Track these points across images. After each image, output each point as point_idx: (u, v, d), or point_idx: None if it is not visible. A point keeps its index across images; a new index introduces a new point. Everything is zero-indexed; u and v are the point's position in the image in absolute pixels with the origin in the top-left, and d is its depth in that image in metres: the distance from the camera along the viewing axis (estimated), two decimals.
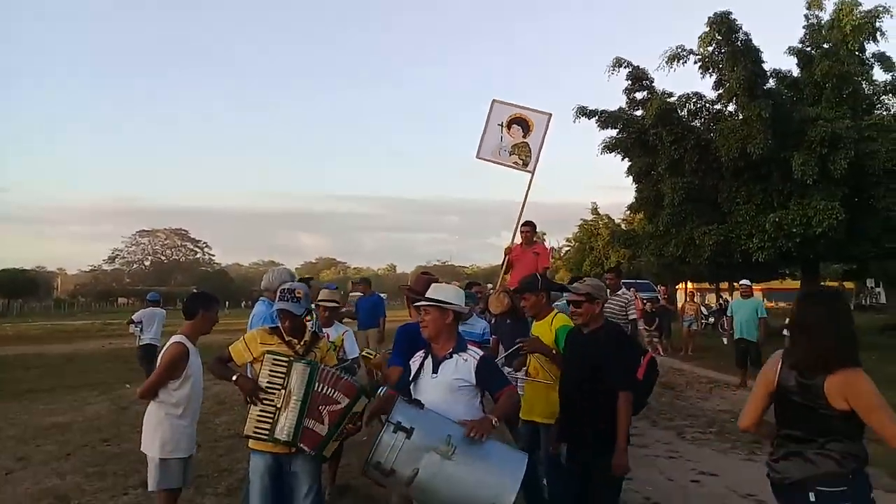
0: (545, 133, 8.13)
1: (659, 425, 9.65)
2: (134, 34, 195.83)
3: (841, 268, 31.03)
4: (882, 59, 19.26)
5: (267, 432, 4.01)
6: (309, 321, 5.27)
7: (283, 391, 4.01)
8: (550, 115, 8.17)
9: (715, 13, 17.57)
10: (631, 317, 9.18)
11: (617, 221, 43.70)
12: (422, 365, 3.85)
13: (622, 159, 21.78)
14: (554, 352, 4.86)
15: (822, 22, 19.84)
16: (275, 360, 4.09)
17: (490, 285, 10.28)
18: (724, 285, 40.75)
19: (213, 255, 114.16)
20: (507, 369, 4.93)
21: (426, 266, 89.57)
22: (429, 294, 3.91)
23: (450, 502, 3.43)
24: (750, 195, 18.14)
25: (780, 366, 3.18)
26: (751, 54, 17.33)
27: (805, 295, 3.47)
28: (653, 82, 19.72)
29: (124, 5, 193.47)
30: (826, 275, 32.45)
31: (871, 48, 19.25)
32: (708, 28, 17.89)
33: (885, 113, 18.90)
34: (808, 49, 19.91)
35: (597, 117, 19.98)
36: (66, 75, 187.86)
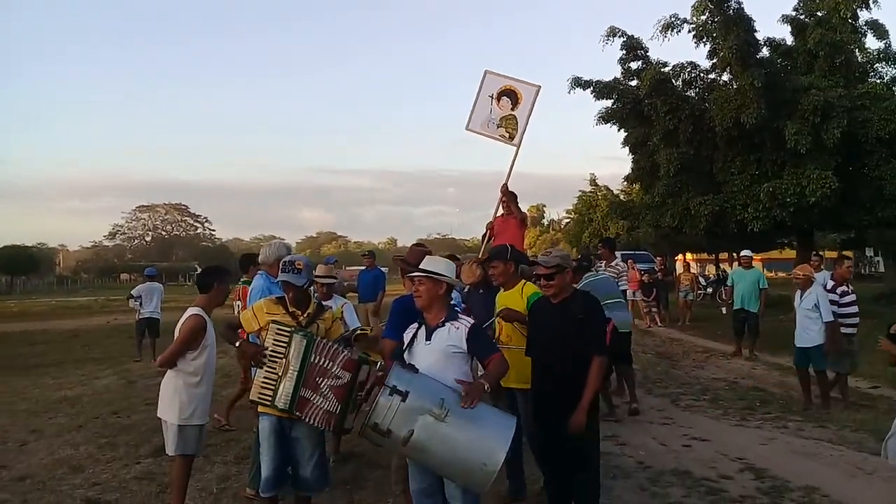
0: (532, 106, 7.97)
1: (654, 393, 9.91)
2: (131, 10, 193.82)
3: (838, 237, 31.16)
4: (875, 26, 19.24)
5: (269, 398, 4.21)
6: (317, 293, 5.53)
7: (283, 360, 4.20)
8: (539, 87, 8.02)
9: None
10: (622, 287, 9.32)
11: (615, 192, 43.77)
12: (415, 334, 4.03)
13: (618, 130, 21.87)
14: (528, 318, 5.05)
15: None
16: (278, 329, 4.27)
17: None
18: (724, 256, 40.97)
19: (214, 231, 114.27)
20: None
21: (426, 239, 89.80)
22: (423, 266, 4.07)
23: (444, 462, 3.61)
24: (744, 165, 18.26)
25: None
26: (743, 23, 17.36)
27: None
28: (647, 52, 19.74)
29: None
30: (824, 244, 32.65)
31: (863, 16, 19.26)
32: None
33: (877, 81, 18.90)
34: (802, 17, 19.88)
35: (591, 88, 19.99)
36: (62, 49, 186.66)
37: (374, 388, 4.24)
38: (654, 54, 19.78)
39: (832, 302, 8.71)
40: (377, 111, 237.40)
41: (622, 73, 20.26)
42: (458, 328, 3.92)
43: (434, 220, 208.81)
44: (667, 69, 19.16)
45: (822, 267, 12.05)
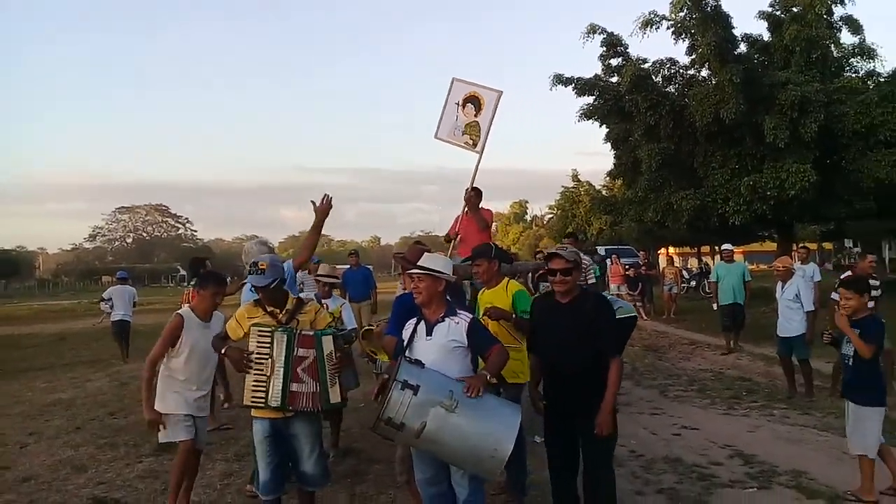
0: (494, 111, 7.87)
1: (642, 385, 10.11)
2: (107, 8, 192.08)
3: (818, 229, 31.61)
4: (849, 21, 19.59)
5: (262, 400, 4.30)
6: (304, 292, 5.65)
7: (269, 360, 4.28)
8: (500, 92, 7.94)
9: None
10: (589, 282, 9.33)
11: (598, 188, 44.11)
12: (415, 330, 4.11)
13: (600, 126, 22.10)
14: (514, 316, 5.19)
15: None
16: (259, 331, 4.35)
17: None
18: (706, 249, 41.42)
19: (196, 231, 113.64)
20: None
21: (410, 237, 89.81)
22: (421, 263, 4.17)
23: (455, 451, 3.74)
24: (724, 160, 18.54)
25: None
26: (721, 19, 17.65)
27: None
28: (627, 49, 19.93)
29: None
30: (804, 236, 33.10)
31: (838, 12, 19.62)
32: None
33: (853, 76, 19.28)
34: (778, 13, 20.20)
35: (573, 84, 20.20)
36: (37, 48, 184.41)
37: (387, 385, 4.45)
38: (634, 51, 20.01)
39: None
40: (355, 109, 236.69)
41: (603, 69, 20.48)
42: (458, 323, 4.03)
43: (415, 218, 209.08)
44: (647, 65, 19.40)
45: (808, 259, 12.28)
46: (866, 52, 19.73)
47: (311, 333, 4.33)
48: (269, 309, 4.47)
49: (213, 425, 7.45)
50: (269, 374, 4.28)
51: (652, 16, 19.09)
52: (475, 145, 7.85)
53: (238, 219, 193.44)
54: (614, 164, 23.14)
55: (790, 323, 8.90)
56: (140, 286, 14.18)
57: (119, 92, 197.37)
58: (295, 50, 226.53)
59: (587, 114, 20.95)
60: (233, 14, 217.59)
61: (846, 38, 20.01)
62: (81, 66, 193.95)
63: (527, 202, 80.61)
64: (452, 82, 8.15)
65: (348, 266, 13.67)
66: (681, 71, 19.92)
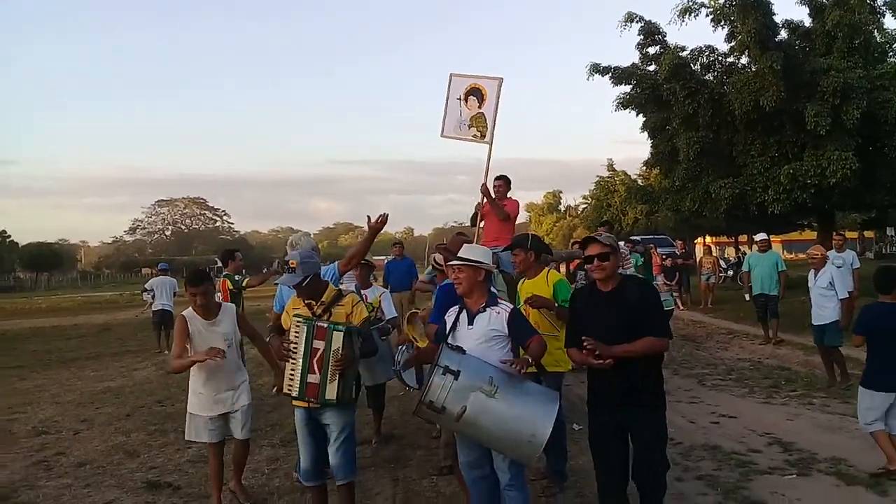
0: (497, 99, 7.87)
1: (680, 374, 10.11)
2: (147, 5, 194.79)
3: (859, 217, 31.05)
4: (893, 6, 19.06)
5: (292, 389, 4.43)
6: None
7: (298, 350, 4.39)
8: (501, 79, 7.95)
9: None
10: (628, 271, 9.34)
11: (633, 177, 43.76)
12: (457, 319, 4.20)
13: (637, 115, 21.91)
14: (556, 304, 5.29)
15: None
16: (294, 322, 4.46)
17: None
18: (743, 238, 40.87)
19: (232, 223, 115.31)
20: None
21: (443, 228, 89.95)
22: (461, 254, 4.25)
23: (494, 436, 3.81)
24: (764, 148, 18.28)
25: None
26: (761, 6, 17.31)
27: None
28: (665, 37, 19.67)
29: None
30: (845, 225, 32.52)
31: None
32: None
33: None
34: None
35: (610, 74, 20.07)
36: (79, 47, 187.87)
37: (409, 366, 4.76)
38: (672, 39, 19.75)
39: None
40: (389, 100, 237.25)
41: (640, 58, 20.26)
42: (499, 313, 4.11)
43: (448, 209, 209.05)
44: (685, 53, 19.14)
45: (845, 247, 12.08)
46: None
47: (325, 326, 4.32)
48: (306, 301, 4.55)
49: None
50: (296, 364, 4.39)
51: (690, 3, 18.80)
52: (483, 136, 7.85)
53: (273, 211, 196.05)
54: (651, 153, 22.92)
55: (823, 310, 8.83)
56: (179, 278, 14.51)
57: (158, 88, 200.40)
58: (329, 43, 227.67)
59: (624, 103, 20.77)
60: (267, 8, 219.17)
61: (890, 23, 19.60)
62: (123, 63, 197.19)
63: (560, 192, 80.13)
64: (451, 78, 8.15)
65: (392, 257, 13.82)
66: (720, 58, 19.61)
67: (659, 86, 19.29)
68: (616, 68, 19.96)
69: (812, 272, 9.16)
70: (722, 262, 28.16)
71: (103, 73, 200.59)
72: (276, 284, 5.20)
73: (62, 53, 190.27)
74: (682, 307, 19.76)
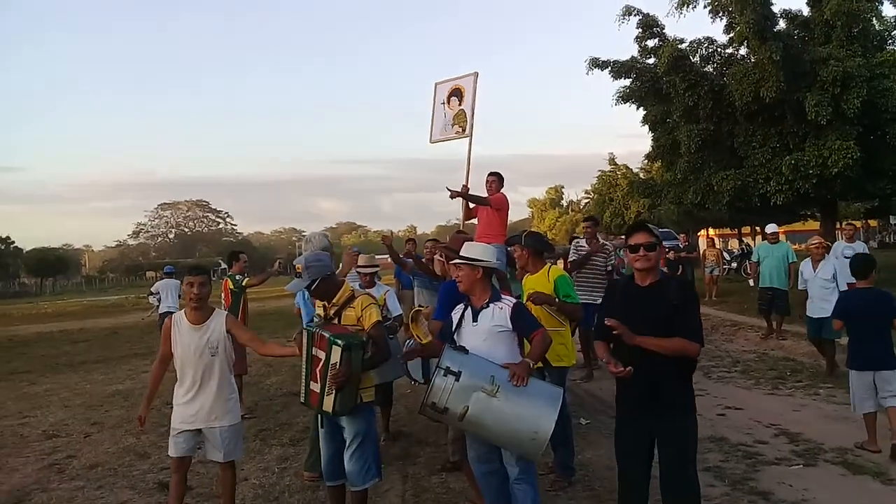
0: (475, 93, 7.96)
1: None
2: (145, 8, 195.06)
3: (862, 206, 30.98)
4: None
5: (300, 394, 4.49)
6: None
7: (303, 357, 4.39)
8: (476, 73, 8.08)
9: None
10: (609, 268, 9.30)
11: (635, 171, 43.73)
12: (462, 315, 4.25)
13: (637, 109, 21.91)
14: (556, 300, 5.38)
15: None
16: (303, 328, 4.49)
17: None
18: (746, 230, 40.84)
19: (236, 225, 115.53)
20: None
21: (446, 225, 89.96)
22: (462, 252, 4.32)
23: (498, 434, 3.88)
24: (765, 139, 18.26)
25: None
26: None
27: None
28: (663, 29, 19.67)
29: None
30: (848, 214, 32.45)
31: None
32: None
33: (895, 49, 18.82)
34: None
35: (609, 68, 20.08)
36: (78, 50, 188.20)
37: (410, 358, 4.85)
38: (671, 31, 19.80)
39: None
40: (389, 99, 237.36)
41: (639, 51, 20.27)
42: (502, 308, 4.14)
43: (450, 206, 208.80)
44: (684, 46, 19.13)
45: (854, 237, 11.79)
46: None
47: (327, 336, 4.18)
48: (321, 302, 4.56)
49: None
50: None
51: None
52: (464, 131, 7.96)
53: (276, 212, 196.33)
54: (652, 146, 22.91)
55: (825, 303, 8.60)
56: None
57: (159, 91, 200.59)
58: (329, 42, 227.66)
59: (624, 97, 20.79)
60: (266, 9, 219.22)
61: (888, 10, 19.49)
62: (122, 66, 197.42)
63: (563, 187, 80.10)
64: (435, 87, 8.34)
65: (405, 254, 13.83)
66: (719, 50, 19.61)
67: (658, 79, 19.30)
68: (615, 62, 19.97)
69: (810, 263, 9.08)
70: (725, 255, 28.15)
71: (104, 78, 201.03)
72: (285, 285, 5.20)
73: (62, 59, 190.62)
74: None
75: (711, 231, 38.70)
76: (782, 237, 13.22)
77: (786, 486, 5.12)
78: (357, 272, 6.91)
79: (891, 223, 49.60)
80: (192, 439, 4.72)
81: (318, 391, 4.25)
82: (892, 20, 19.30)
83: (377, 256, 7.90)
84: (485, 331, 4.13)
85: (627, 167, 46.01)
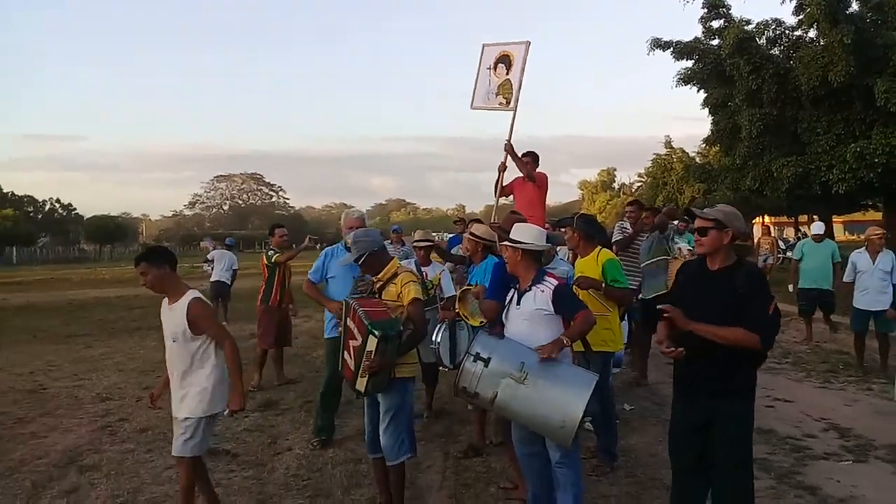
0: (524, 64, 7.57)
1: None
2: None
3: None
4: None
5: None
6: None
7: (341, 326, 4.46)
8: (528, 42, 7.65)
9: None
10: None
11: (692, 155, 42.87)
12: (511, 298, 4.23)
13: (698, 91, 21.50)
14: (603, 284, 5.28)
15: None
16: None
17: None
18: (803, 219, 39.78)
19: (288, 199, 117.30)
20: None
21: (493, 205, 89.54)
22: (512, 235, 4.26)
23: (527, 420, 3.88)
24: (830, 125, 17.72)
25: None
26: None
27: None
28: (730, 10, 19.24)
29: None
30: None
31: None
32: None
33: None
34: None
35: (672, 48, 19.73)
36: (140, 24, 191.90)
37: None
38: (737, 12, 19.29)
39: None
40: (442, 77, 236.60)
41: (703, 32, 19.85)
42: (543, 291, 4.07)
43: None
44: (750, 27, 18.64)
45: None
46: None
47: (364, 321, 4.11)
48: (371, 277, 4.62)
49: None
50: None
51: None
52: (508, 104, 7.62)
53: (328, 187, 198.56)
54: (712, 129, 22.46)
55: (882, 295, 8.43)
56: (236, 252, 14.84)
57: (218, 66, 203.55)
58: (384, 18, 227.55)
59: (685, 78, 20.43)
60: None
61: None
62: (180, 42, 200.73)
63: (615, 170, 78.94)
64: (483, 49, 7.95)
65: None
66: (786, 32, 19.05)
67: (722, 61, 18.92)
68: (678, 43, 19.64)
69: (866, 254, 8.79)
70: (781, 243, 27.48)
71: (166, 51, 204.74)
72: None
73: (126, 32, 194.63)
74: None
75: (767, 219, 37.77)
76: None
77: (834, 482, 5.00)
78: (413, 247, 6.91)
79: None
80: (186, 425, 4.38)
81: (353, 369, 4.28)
82: None
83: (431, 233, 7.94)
84: (527, 313, 4.09)
85: (684, 151, 45.10)
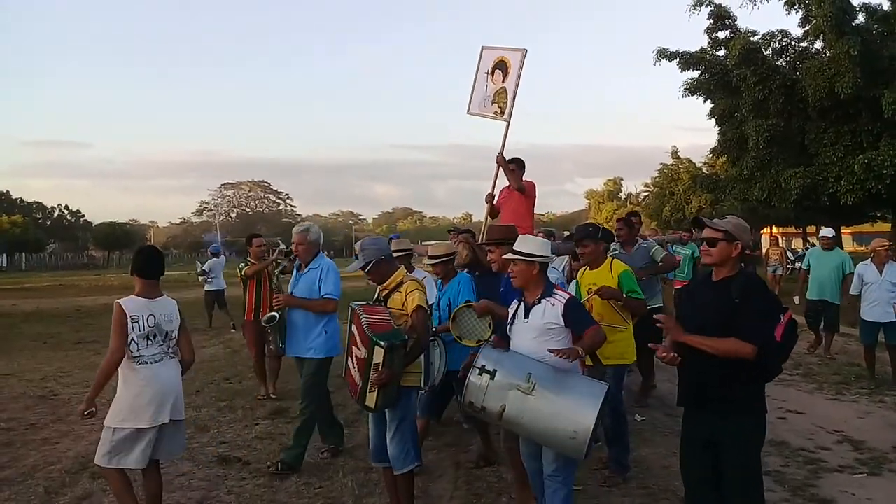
0: (520, 72, 7.30)
1: None
2: None
3: None
4: None
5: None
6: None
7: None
8: (525, 50, 7.39)
9: None
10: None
11: (698, 165, 42.86)
12: (516, 311, 4.16)
13: (704, 101, 21.53)
14: (624, 295, 5.23)
15: None
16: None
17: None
18: (812, 229, 39.67)
19: (295, 206, 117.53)
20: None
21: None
22: (516, 247, 4.14)
23: (537, 433, 3.81)
24: (838, 136, 17.74)
25: None
26: None
27: None
28: (736, 21, 19.36)
29: None
30: None
31: None
32: None
33: None
34: None
35: (678, 59, 19.78)
36: (142, 33, 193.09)
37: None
38: (743, 23, 19.37)
39: None
40: (445, 85, 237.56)
41: (709, 43, 19.91)
42: (553, 304, 3.99)
43: None
44: (756, 38, 18.73)
45: None
46: None
47: (368, 334, 4.12)
48: (377, 285, 4.66)
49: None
50: None
51: None
52: (503, 113, 7.36)
53: (334, 194, 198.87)
54: (718, 140, 22.48)
55: (892, 307, 8.42)
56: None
57: (224, 73, 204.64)
58: (387, 28, 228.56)
59: (692, 89, 20.47)
60: None
61: None
62: (189, 50, 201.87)
63: (621, 179, 78.97)
64: (482, 51, 7.71)
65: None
66: (793, 43, 19.13)
67: (728, 71, 18.95)
68: (684, 53, 19.69)
69: (872, 266, 8.78)
70: (789, 254, 27.40)
71: (172, 59, 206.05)
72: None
73: (133, 40, 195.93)
74: None
75: (775, 229, 37.67)
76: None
77: (848, 495, 4.98)
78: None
79: None
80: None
81: (359, 384, 4.26)
82: None
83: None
84: (536, 327, 4.01)
85: (690, 161, 45.07)
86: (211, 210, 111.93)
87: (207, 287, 15.38)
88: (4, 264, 68.82)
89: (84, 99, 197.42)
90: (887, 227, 23.29)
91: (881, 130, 16.87)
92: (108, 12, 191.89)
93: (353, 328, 4.39)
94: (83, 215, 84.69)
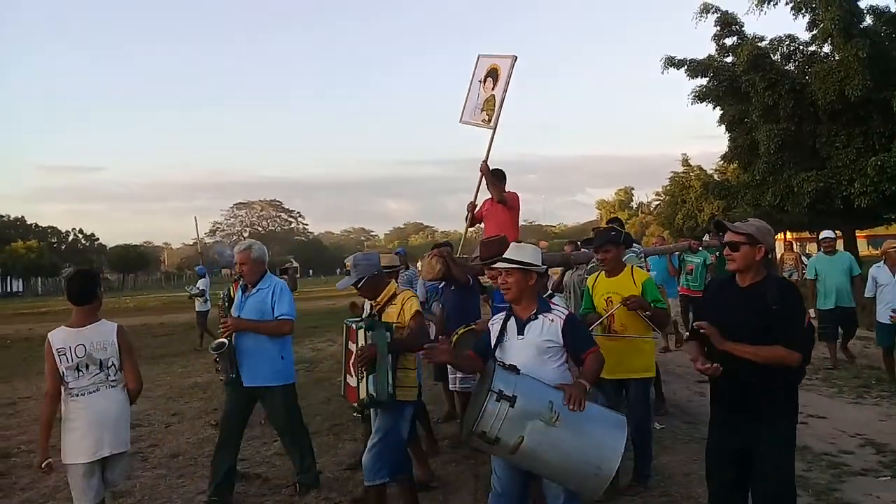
0: (508, 80, 7.12)
1: None
2: (223, 9, 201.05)
3: None
4: None
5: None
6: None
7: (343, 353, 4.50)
8: (514, 57, 7.19)
9: None
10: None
11: (709, 172, 42.69)
12: (504, 327, 3.79)
13: (713, 108, 21.50)
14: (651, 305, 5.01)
15: None
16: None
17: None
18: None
19: (307, 225, 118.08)
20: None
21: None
22: (508, 255, 3.81)
23: (556, 468, 3.43)
24: (849, 139, 17.65)
25: None
26: None
27: None
28: (743, 27, 19.36)
29: None
30: None
31: None
32: None
33: None
34: None
35: (685, 66, 19.78)
36: (153, 54, 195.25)
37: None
38: (750, 29, 19.37)
39: None
40: (455, 100, 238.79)
41: (717, 49, 19.91)
42: (552, 321, 3.68)
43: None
44: (764, 43, 18.71)
45: None
46: None
47: (353, 326, 4.21)
48: (369, 301, 4.66)
49: None
50: None
51: None
52: (489, 121, 7.20)
53: (345, 212, 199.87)
54: (729, 146, 22.41)
55: None
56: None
57: (235, 95, 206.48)
58: (397, 44, 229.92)
59: (700, 96, 20.44)
60: (339, 15, 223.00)
61: None
62: (203, 73, 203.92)
63: (633, 189, 78.96)
64: (478, 59, 7.58)
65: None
66: (801, 48, 19.08)
67: (737, 77, 18.93)
68: (692, 60, 19.69)
69: (885, 268, 8.74)
70: (804, 258, 27.18)
71: (182, 82, 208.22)
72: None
73: (143, 63, 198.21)
74: None
75: (789, 234, 37.40)
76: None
77: (873, 498, 4.93)
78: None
79: None
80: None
81: (355, 384, 4.25)
82: None
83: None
84: (532, 345, 3.66)
85: (701, 168, 44.91)
86: (224, 230, 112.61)
87: (199, 308, 15.83)
88: (21, 289, 69.45)
89: (97, 121, 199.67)
90: None
91: (893, 132, 16.79)
92: (117, 39, 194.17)
93: (351, 346, 4.36)
94: (97, 238, 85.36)
